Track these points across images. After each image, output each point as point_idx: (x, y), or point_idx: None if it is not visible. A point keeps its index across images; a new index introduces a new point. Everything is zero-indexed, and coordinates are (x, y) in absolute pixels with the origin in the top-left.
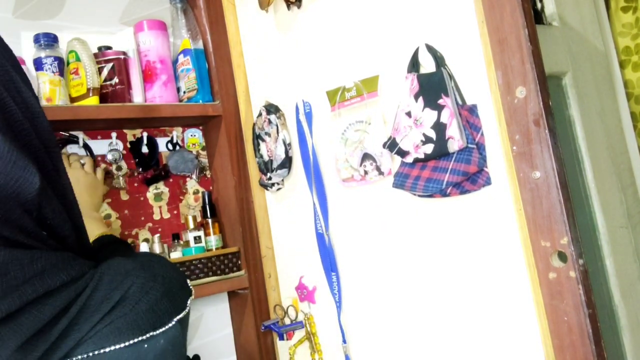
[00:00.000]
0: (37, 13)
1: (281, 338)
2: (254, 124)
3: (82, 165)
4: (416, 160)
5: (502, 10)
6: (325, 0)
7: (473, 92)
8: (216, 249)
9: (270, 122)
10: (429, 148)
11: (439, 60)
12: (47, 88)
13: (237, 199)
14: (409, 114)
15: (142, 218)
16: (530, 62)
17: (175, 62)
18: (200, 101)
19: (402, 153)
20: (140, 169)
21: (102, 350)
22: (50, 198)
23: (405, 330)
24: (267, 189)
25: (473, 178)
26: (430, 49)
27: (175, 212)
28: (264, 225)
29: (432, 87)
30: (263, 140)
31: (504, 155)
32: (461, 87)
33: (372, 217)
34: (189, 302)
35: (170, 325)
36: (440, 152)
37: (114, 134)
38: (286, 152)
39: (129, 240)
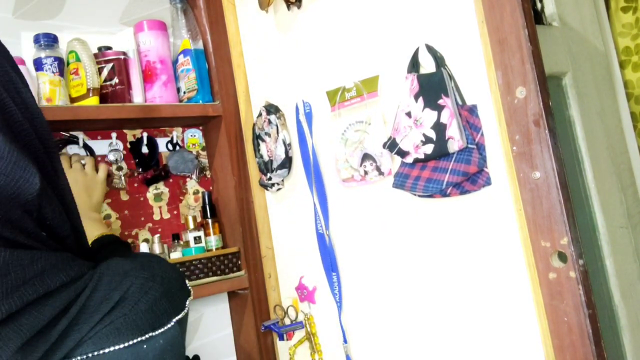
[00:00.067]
0: (37, 13)
1: (281, 338)
2: (254, 124)
3: (83, 165)
4: (416, 161)
5: (502, 11)
6: (325, 0)
7: (473, 92)
8: (216, 249)
9: (270, 122)
10: (429, 148)
11: (439, 60)
12: (47, 88)
13: (237, 199)
14: (409, 114)
15: (142, 218)
16: (530, 62)
17: (175, 62)
18: (200, 101)
19: (402, 153)
20: (140, 169)
21: (101, 351)
22: (50, 198)
23: (406, 330)
24: (267, 189)
25: (473, 178)
26: (430, 49)
27: (175, 212)
28: (264, 226)
29: (432, 87)
30: (263, 140)
31: (504, 156)
32: (461, 87)
33: (372, 217)
34: (187, 302)
35: (169, 325)
36: (440, 152)
37: (114, 134)
38: (286, 152)
39: (129, 241)
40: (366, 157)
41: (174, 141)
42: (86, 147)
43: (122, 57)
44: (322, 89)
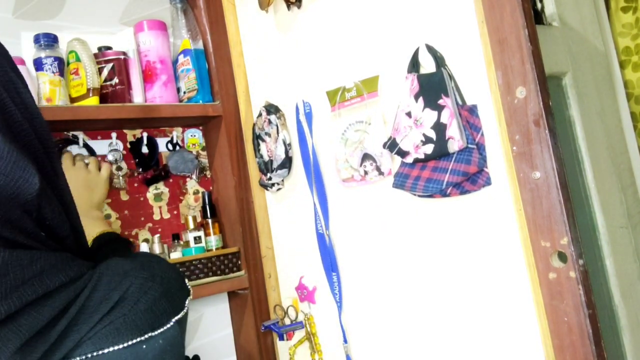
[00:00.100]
0: (37, 13)
1: (281, 338)
2: (254, 124)
3: (86, 164)
4: (416, 161)
5: (502, 11)
6: (325, 0)
7: (473, 92)
8: (216, 249)
9: (270, 122)
10: (429, 148)
11: (439, 60)
12: (47, 88)
13: (237, 199)
14: (409, 114)
15: (142, 218)
16: (530, 62)
17: (175, 62)
18: (200, 101)
19: (402, 153)
20: (140, 169)
21: (100, 352)
22: (50, 199)
23: (406, 330)
24: (267, 189)
25: (473, 178)
26: (430, 49)
27: (175, 212)
28: (264, 226)
29: (432, 87)
30: (263, 140)
31: (504, 156)
32: (461, 87)
33: (372, 217)
34: (187, 302)
35: (168, 325)
36: (440, 152)
37: (114, 134)
38: (286, 152)
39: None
40: (366, 157)
41: (174, 141)
42: (87, 147)
43: (122, 57)
44: (322, 89)
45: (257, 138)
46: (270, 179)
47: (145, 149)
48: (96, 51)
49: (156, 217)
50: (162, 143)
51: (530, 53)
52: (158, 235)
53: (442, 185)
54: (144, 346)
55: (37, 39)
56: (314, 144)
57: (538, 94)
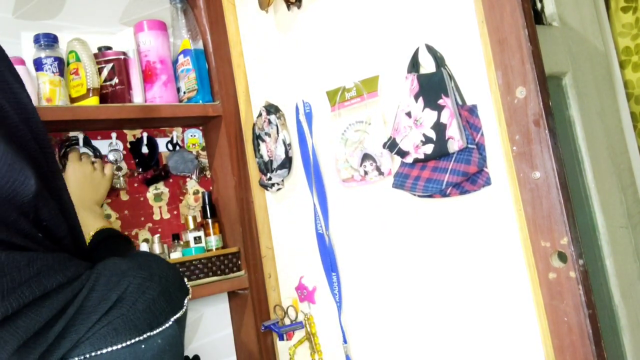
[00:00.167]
0: (37, 13)
1: (281, 338)
2: (254, 124)
3: (93, 162)
4: (416, 161)
5: (502, 11)
6: (325, 0)
7: (473, 93)
8: (216, 249)
9: (270, 122)
10: (429, 148)
11: (439, 60)
12: (47, 88)
13: (237, 199)
14: (409, 114)
15: (142, 218)
16: (530, 62)
17: (175, 62)
18: (200, 101)
19: (402, 153)
20: (140, 169)
21: (99, 352)
22: (47, 200)
23: (406, 330)
24: (267, 189)
25: (473, 178)
26: (430, 49)
27: (175, 212)
28: (264, 226)
29: (432, 87)
30: (263, 140)
31: (504, 156)
32: (461, 88)
33: (372, 217)
34: (186, 301)
35: (167, 325)
36: (440, 152)
37: (114, 134)
38: (286, 152)
39: None
40: (366, 157)
41: (174, 141)
42: (91, 147)
43: (122, 57)
44: (322, 89)
45: (257, 138)
46: (270, 179)
47: (145, 149)
48: (96, 51)
49: (156, 217)
50: (162, 143)
51: (530, 53)
52: (158, 235)
53: (442, 185)
54: (143, 346)
55: (37, 39)
56: (314, 144)
57: (538, 94)
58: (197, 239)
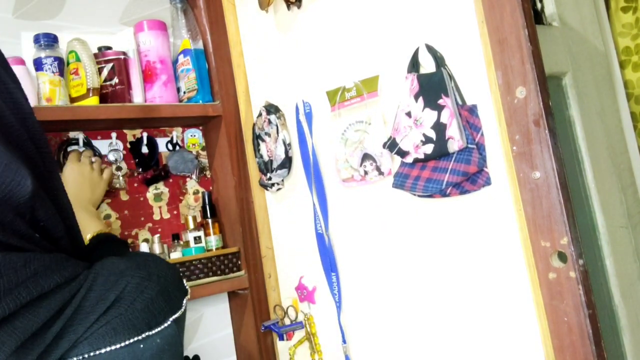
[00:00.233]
0: (37, 13)
1: (281, 338)
2: (254, 124)
3: (92, 163)
4: (416, 161)
5: (502, 11)
6: (325, 0)
7: (473, 92)
8: (216, 249)
9: (270, 122)
10: (429, 148)
11: (439, 60)
12: (47, 88)
13: (237, 199)
14: (409, 114)
15: (142, 218)
16: (530, 62)
17: (175, 62)
18: (200, 101)
19: (402, 153)
20: (140, 169)
21: (97, 352)
22: (44, 200)
23: (405, 330)
24: (267, 189)
25: (473, 178)
26: (430, 49)
27: (175, 212)
28: (264, 226)
29: (432, 87)
30: (263, 140)
31: (504, 156)
32: (461, 87)
33: (372, 217)
34: (184, 301)
35: (166, 324)
36: (440, 152)
37: (114, 134)
38: (286, 152)
39: (129, 241)
40: (366, 157)
41: (174, 141)
42: (91, 146)
43: (122, 57)
44: (322, 89)
45: (257, 138)
46: (270, 179)
47: (145, 149)
48: (96, 51)
49: (156, 217)
50: (162, 143)
51: (530, 53)
52: (158, 235)
53: (441, 185)
54: (142, 345)
55: (37, 39)
56: (314, 144)
57: (538, 94)
58: (197, 239)
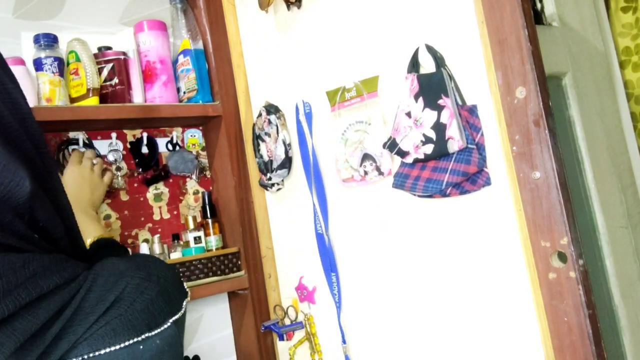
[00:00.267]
0: (37, 13)
1: (281, 338)
2: (254, 125)
3: (93, 164)
4: (416, 161)
5: (502, 11)
6: (325, 0)
7: (473, 93)
8: (216, 249)
9: (270, 122)
10: (429, 148)
11: (439, 60)
12: (47, 88)
13: (237, 199)
14: (409, 114)
15: (142, 218)
16: (530, 63)
17: (175, 62)
18: (200, 101)
19: (402, 153)
20: (140, 170)
21: (97, 353)
22: (43, 200)
23: (405, 330)
24: (267, 189)
25: (473, 178)
26: (430, 49)
27: (175, 212)
28: (264, 226)
29: (432, 87)
30: (263, 140)
31: (503, 156)
32: (461, 88)
33: (372, 217)
34: (184, 303)
35: (165, 326)
36: (440, 152)
37: (114, 135)
38: (286, 152)
39: (129, 241)
40: (366, 157)
41: (174, 141)
42: (91, 146)
43: (122, 57)
44: (322, 89)
45: (257, 138)
46: (270, 179)
47: (145, 149)
48: (96, 51)
49: (156, 217)
50: (162, 143)
51: (530, 53)
52: (158, 235)
53: (441, 185)
54: (141, 347)
55: (37, 39)
56: (314, 144)
57: (538, 94)
58: (197, 239)
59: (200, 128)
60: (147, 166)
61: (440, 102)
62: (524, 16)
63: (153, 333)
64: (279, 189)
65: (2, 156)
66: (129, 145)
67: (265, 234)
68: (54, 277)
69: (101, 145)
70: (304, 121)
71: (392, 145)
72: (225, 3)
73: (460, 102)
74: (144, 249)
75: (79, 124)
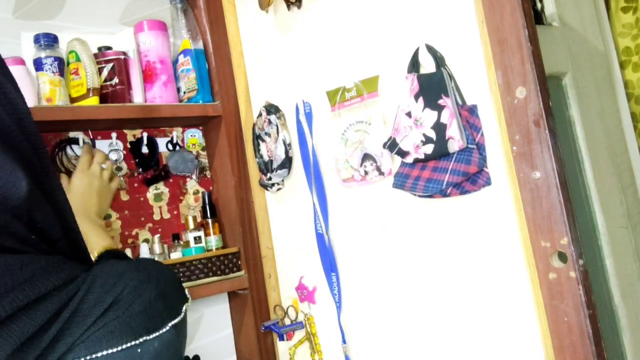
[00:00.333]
0: (37, 13)
1: (281, 338)
2: (254, 124)
3: (102, 169)
4: (416, 161)
5: (502, 11)
6: (325, 0)
7: (473, 93)
8: (216, 249)
9: (270, 122)
10: (429, 148)
11: (439, 60)
12: (47, 88)
13: (237, 199)
14: (409, 114)
15: (142, 218)
16: (530, 63)
17: (175, 62)
18: (201, 101)
19: (402, 153)
20: (140, 170)
21: (94, 355)
22: (40, 201)
23: (405, 330)
24: (267, 189)
25: (473, 178)
26: (430, 49)
27: (175, 212)
28: (264, 226)
29: (432, 87)
30: (263, 140)
31: (504, 156)
32: (461, 88)
33: (372, 217)
34: (184, 308)
35: (164, 330)
36: (440, 152)
37: (114, 134)
38: (286, 152)
39: (129, 241)
40: (366, 157)
41: (174, 141)
42: (94, 148)
43: (122, 57)
44: (322, 89)
45: (257, 138)
46: (270, 179)
47: (145, 149)
48: (96, 51)
49: (156, 217)
50: (162, 143)
51: (530, 53)
52: (158, 235)
53: (442, 185)
54: (139, 350)
55: (37, 39)
56: (314, 144)
57: (538, 94)
58: (197, 239)
59: (200, 128)
60: (147, 166)
61: (441, 102)
62: (524, 16)
63: (151, 337)
64: (279, 189)
65: None
66: (129, 145)
67: (265, 234)
68: (51, 279)
69: (101, 146)
70: (304, 121)
71: (392, 145)
72: (225, 3)
73: (460, 102)
74: (144, 249)
75: (79, 124)
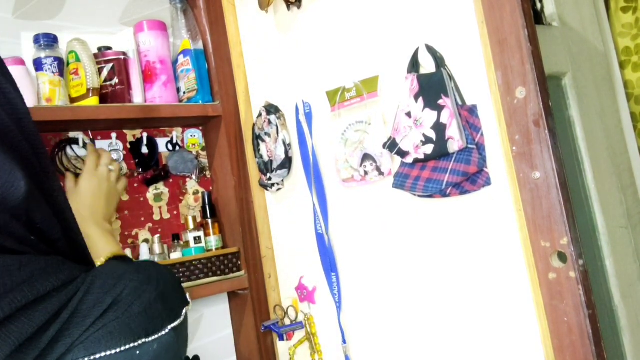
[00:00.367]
0: (37, 13)
1: (281, 339)
2: (254, 125)
3: (110, 171)
4: (416, 161)
5: (502, 11)
6: (325, 0)
7: (473, 93)
8: (216, 249)
9: (270, 122)
10: (429, 148)
11: (439, 60)
12: (47, 88)
13: (237, 199)
14: (409, 115)
15: (142, 218)
16: (530, 63)
17: (175, 62)
18: (200, 102)
19: (402, 153)
20: (140, 170)
21: (92, 357)
22: (39, 201)
23: (405, 330)
24: (267, 189)
25: (473, 178)
26: (430, 49)
27: (175, 212)
28: (264, 226)
29: (432, 87)
30: (263, 140)
31: (503, 156)
32: (461, 88)
33: (372, 217)
34: (184, 311)
35: (163, 332)
36: (440, 152)
37: (114, 135)
38: (286, 152)
39: (129, 241)
40: (366, 157)
41: (174, 141)
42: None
43: (122, 57)
44: (322, 89)
45: (257, 138)
46: (270, 179)
47: (145, 149)
48: (96, 51)
49: (156, 217)
50: (162, 143)
51: (530, 53)
52: (158, 235)
53: (442, 185)
54: (138, 352)
55: (37, 39)
56: (314, 144)
57: (538, 94)
58: (197, 239)
59: (200, 128)
60: (147, 166)
61: (440, 102)
62: (524, 16)
63: (150, 339)
64: (279, 189)
65: None
66: (129, 146)
67: (265, 234)
68: (50, 280)
69: (101, 146)
70: (304, 121)
71: (392, 146)
72: (225, 3)
73: (460, 102)
74: (143, 249)
75: (79, 124)
